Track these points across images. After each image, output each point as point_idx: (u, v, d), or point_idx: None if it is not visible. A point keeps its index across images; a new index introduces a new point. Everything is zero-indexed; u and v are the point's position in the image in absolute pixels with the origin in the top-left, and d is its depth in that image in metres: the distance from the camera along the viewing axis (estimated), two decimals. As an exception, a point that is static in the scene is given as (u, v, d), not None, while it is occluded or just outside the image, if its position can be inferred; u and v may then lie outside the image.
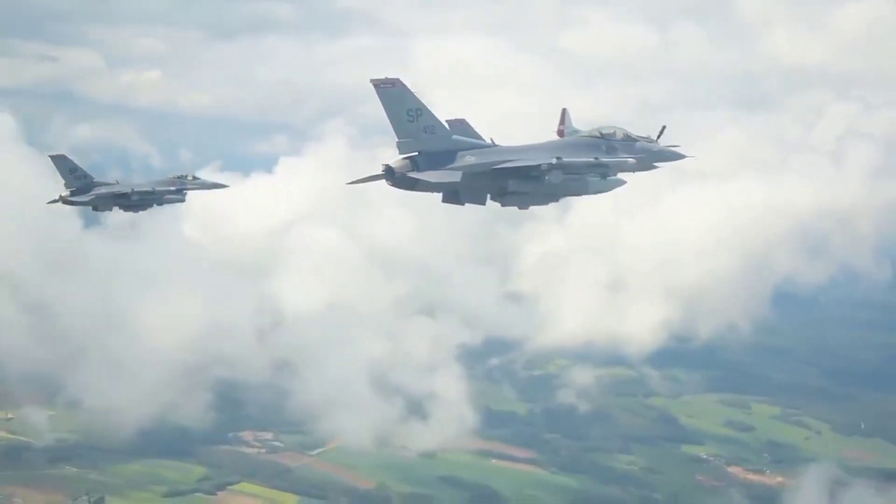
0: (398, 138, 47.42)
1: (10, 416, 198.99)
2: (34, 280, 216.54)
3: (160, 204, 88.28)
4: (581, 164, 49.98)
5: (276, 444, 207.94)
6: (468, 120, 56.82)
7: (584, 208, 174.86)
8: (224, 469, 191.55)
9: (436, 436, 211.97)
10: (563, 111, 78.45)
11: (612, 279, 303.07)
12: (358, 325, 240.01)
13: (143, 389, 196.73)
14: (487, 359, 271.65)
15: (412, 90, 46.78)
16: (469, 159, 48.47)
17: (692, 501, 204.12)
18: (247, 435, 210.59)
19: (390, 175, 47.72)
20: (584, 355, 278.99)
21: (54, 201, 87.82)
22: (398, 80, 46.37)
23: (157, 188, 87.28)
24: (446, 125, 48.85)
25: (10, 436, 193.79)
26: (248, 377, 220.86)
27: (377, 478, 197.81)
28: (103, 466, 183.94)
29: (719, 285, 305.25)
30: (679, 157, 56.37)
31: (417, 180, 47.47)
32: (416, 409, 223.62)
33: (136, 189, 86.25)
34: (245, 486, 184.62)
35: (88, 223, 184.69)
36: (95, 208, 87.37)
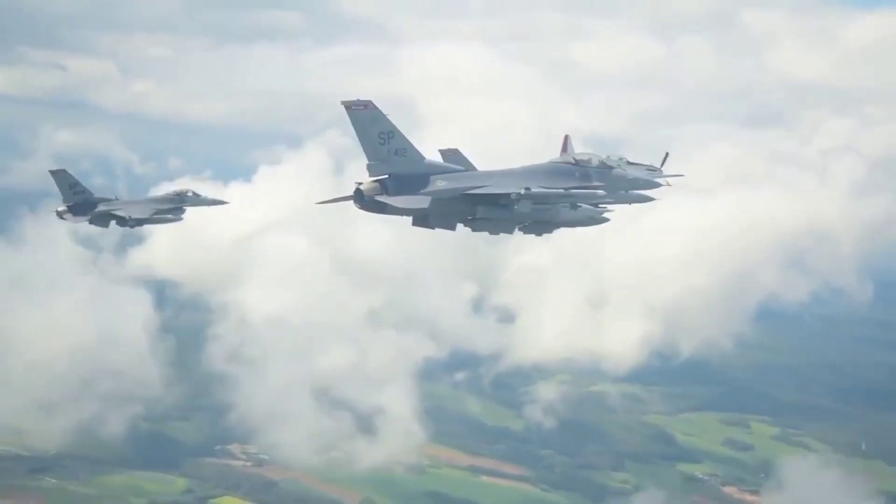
0: (368, 160, 46.73)
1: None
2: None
3: (157, 223, 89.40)
4: (550, 195, 48.96)
5: (263, 457, 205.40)
6: (461, 150, 57.55)
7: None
8: (208, 482, 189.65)
9: (383, 450, 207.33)
10: (566, 138, 76.89)
11: (593, 294, 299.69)
12: (321, 337, 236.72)
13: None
14: (477, 373, 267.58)
15: (384, 112, 46.18)
16: (440, 184, 47.74)
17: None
18: (234, 448, 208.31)
19: (359, 198, 47.08)
20: (577, 370, 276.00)
21: (49, 212, 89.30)
22: (370, 101, 45.82)
23: (156, 209, 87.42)
24: (418, 149, 47.97)
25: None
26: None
27: (363, 492, 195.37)
28: (84, 478, 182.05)
29: (702, 301, 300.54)
30: (654, 185, 55.89)
31: (386, 204, 46.80)
32: (365, 423, 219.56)
33: (132, 217, 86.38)
34: (228, 500, 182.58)
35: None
36: (91, 222, 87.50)
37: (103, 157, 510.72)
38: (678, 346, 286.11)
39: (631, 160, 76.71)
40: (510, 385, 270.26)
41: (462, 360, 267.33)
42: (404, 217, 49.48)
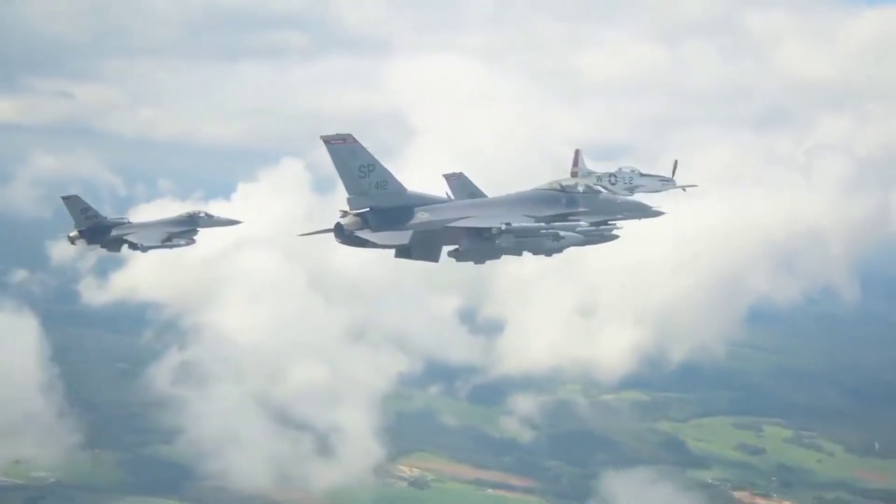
0: (349, 195, 46.35)
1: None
2: None
3: (170, 248, 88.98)
4: (531, 229, 48.20)
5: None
6: (466, 173, 61.10)
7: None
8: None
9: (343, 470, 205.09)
10: (577, 152, 78.80)
11: (585, 302, 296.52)
12: (299, 355, 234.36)
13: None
14: (476, 384, 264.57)
15: (364, 144, 45.86)
16: (421, 216, 47.33)
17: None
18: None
19: (339, 232, 46.78)
20: (586, 379, 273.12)
21: (62, 237, 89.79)
22: (349, 135, 45.34)
23: (168, 232, 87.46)
24: (399, 180, 47.51)
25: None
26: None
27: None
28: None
29: (696, 305, 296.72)
30: (645, 210, 55.00)
31: (367, 239, 46.54)
32: (323, 442, 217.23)
33: (144, 244, 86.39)
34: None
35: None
36: (103, 246, 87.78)
37: (87, 181, 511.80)
38: (681, 352, 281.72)
39: (643, 171, 79.72)
40: (516, 396, 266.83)
41: (455, 373, 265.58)
42: (386, 250, 49.00)
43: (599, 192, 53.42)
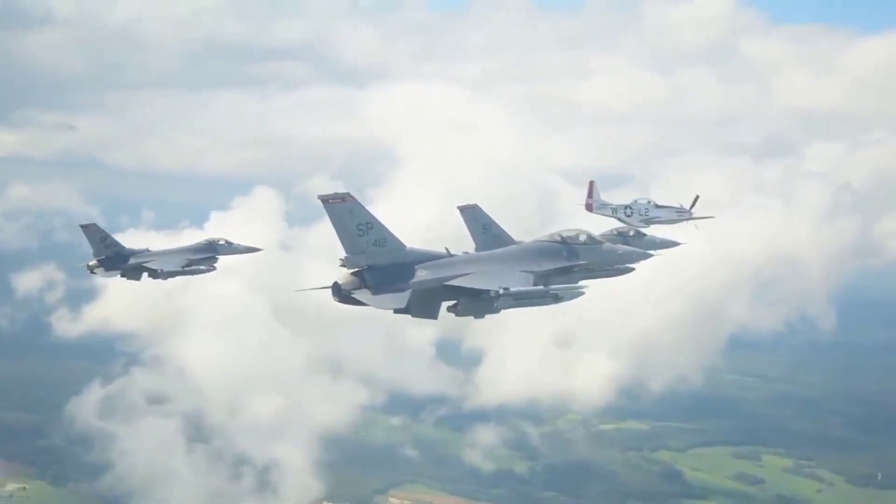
0: (346, 253, 46.06)
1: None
2: None
3: (191, 274, 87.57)
4: (531, 293, 47.37)
5: None
6: (480, 205, 62.67)
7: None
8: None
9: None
10: (591, 184, 79.64)
11: (560, 332, 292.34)
12: (264, 385, 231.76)
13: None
14: (453, 414, 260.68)
15: (361, 203, 45.74)
16: (420, 274, 46.82)
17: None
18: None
19: (337, 291, 46.26)
20: (560, 409, 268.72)
21: (80, 265, 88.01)
22: (348, 194, 45.37)
23: (188, 259, 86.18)
24: (398, 237, 47.11)
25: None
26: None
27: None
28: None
29: (678, 334, 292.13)
30: (645, 257, 54.39)
31: (364, 302, 46.02)
32: (263, 475, 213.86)
33: (164, 269, 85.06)
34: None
35: None
36: (123, 275, 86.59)
37: (61, 211, 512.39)
38: (660, 381, 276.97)
39: (659, 203, 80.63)
40: (513, 427, 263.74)
41: (431, 403, 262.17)
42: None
43: (601, 243, 52.75)
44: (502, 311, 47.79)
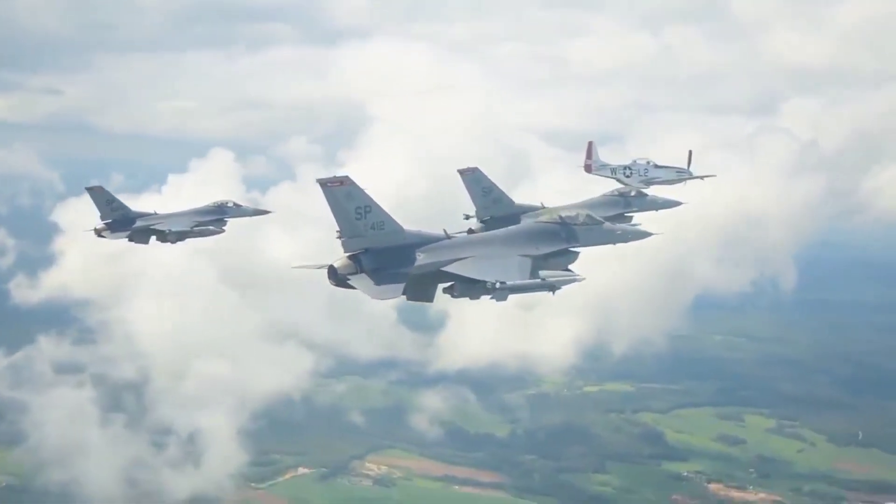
0: (343, 237, 45.89)
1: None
2: None
3: (199, 236, 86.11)
4: (528, 286, 47.51)
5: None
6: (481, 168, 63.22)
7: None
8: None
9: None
10: (590, 144, 79.20)
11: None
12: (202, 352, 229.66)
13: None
14: (427, 378, 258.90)
15: (360, 186, 45.35)
16: (418, 258, 46.72)
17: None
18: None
19: (332, 275, 46.03)
20: (562, 371, 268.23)
21: (87, 231, 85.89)
22: (347, 177, 45.06)
23: (196, 221, 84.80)
24: (396, 220, 46.89)
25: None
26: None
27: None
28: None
29: (644, 295, 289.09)
30: (644, 235, 54.55)
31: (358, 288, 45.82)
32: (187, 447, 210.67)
33: (172, 229, 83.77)
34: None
35: None
36: (131, 240, 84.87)
37: (25, 177, 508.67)
38: (623, 343, 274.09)
39: (659, 163, 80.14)
40: (494, 391, 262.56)
41: (405, 369, 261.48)
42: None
43: (601, 223, 52.54)
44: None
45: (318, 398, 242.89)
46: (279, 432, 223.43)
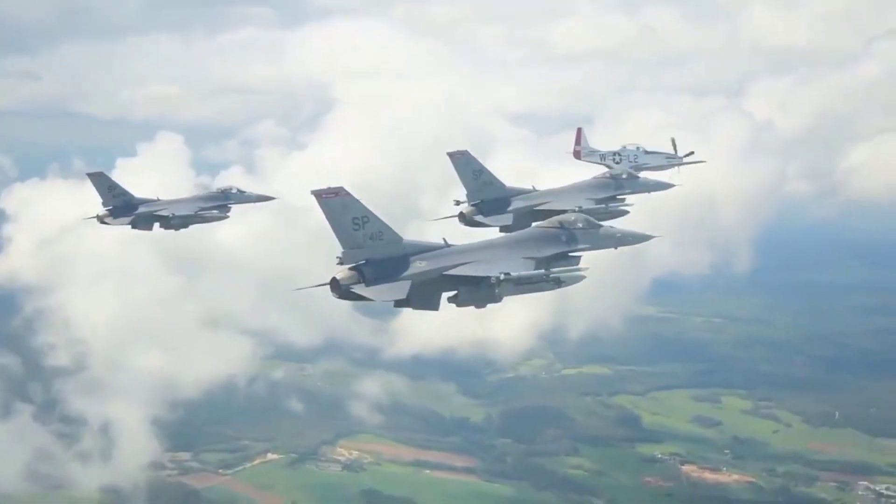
0: (343, 248, 45.71)
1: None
2: None
3: (203, 222, 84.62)
4: (531, 277, 47.54)
5: (192, 464, 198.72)
6: (470, 151, 63.73)
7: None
8: (122, 495, 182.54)
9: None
10: (579, 131, 79.51)
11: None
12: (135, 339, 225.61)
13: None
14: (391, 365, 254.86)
15: (356, 196, 45.31)
16: (419, 265, 46.58)
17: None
18: (164, 457, 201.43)
19: (335, 287, 45.82)
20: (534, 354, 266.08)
21: (90, 218, 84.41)
22: (342, 188, 44.95)
23: (201, 207, 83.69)
24: (395, 230, 46.69)
25: None
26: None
27: (295, 496, 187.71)
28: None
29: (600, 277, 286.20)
30: (645, 239, 54.64)
31: (363, 295, 45.76)
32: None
33: (176, 214, 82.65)
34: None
35: None
36: (134, 227, 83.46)
37: None
38: (579, 326, 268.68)
39: (648, 149, 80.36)
40: (472, 375, 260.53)
41: (367, 353, 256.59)
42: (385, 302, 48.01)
43: (599, 226, 52.81)
44: (504, 299, 47.81)
45: (285, 383, 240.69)
46: (248, 418, 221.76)
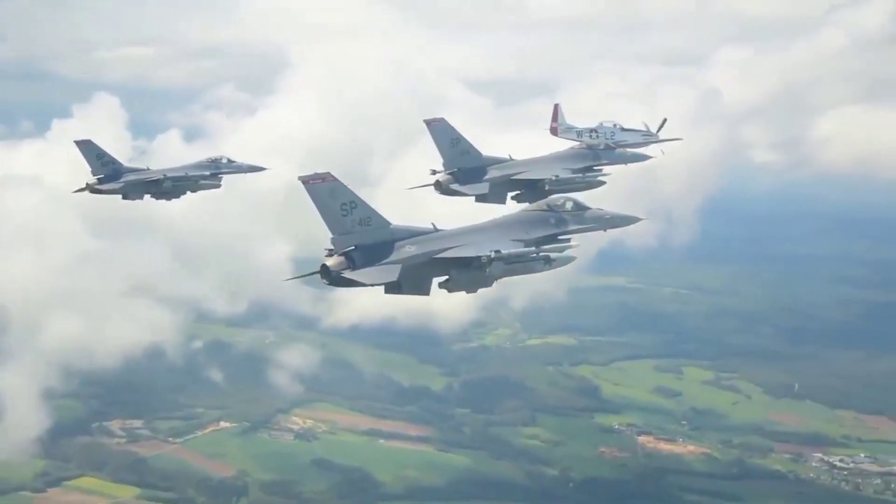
0: (332, 234, 45.75)
1: None
2: None
3: (194, 190, 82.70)
4: (522, 254, 48.04)
5: (143, 432, 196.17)
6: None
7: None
8: (70, 463, 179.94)
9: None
10: (556, 107, 78.66)
11: None
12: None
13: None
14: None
15: (343, 182, 45.23)
16: (408, 249, 46.66)
17: (590, 474, 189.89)
18: (114, 424, 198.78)
19: (326, 273, 45.82)
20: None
21: (80, 189, 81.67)
22: (328, 173, 44.98)
23: (191, 173, 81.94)
24: (383, 215, 46.73)
25: None
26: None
27: (244, 465, 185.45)
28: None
29: None
30: (633, 221, 54.71)
31: (354, 279, 45.54)
32: None
33: (168, 175, 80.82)
34: (85, 481, 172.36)
35: None
36: (125, 196, 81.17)
37: None
38: (522, 298, 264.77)
39: (625, 126, 79.50)
40: (435, 344, 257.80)
41: (310, 322, 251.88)
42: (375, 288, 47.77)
43: (587, 208, 52.92)
44: (494, 283, 48.19)
45: (227, 350, 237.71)
46: (203, 386, 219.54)
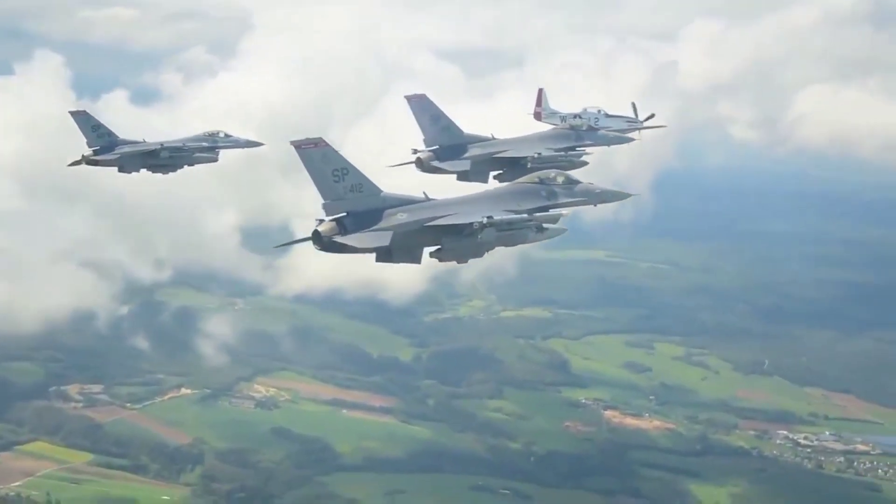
0: (323, 200, 45.20)
1: None
2: None
3: (191, 164, 79.68)
4: (513, 221, 47.48)
5: (101, 397, 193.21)
6: (428, 95, 62.82)
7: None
8: (24, 427, 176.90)
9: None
10: (540, 91, 78.42)
11: None
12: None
13: None
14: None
15: (335, 148, 44.63)
16: (399, 217, 46.22)
17: (553, 448, 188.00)
18: (73, 388, 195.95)
19: (317, 239, 45.33)
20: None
21: (76, 162, 77.71)
22: (321, 139, 44.37)
23: (188, 145, 79.16)
24: (375, 182, 46.27)
25: None
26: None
27: (201, 433, 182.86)
28: None
29: None
30: (623, 196, 54.84)
31: (346, 244, 45.17)
32: None
33: (165, 145, 77.75)
34: (37, 446, 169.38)
35: None
36: (121, 169, 77.92)
37: None
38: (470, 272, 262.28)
39: (609, 112, 79.22)
40: (409, 314, 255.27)
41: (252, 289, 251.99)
42: (367, 255, 47.28)
43: (578, 182, 52.81)
44: (485, 253, 47.93)
45: (194, 316, 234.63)
46: (162, 352, 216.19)
